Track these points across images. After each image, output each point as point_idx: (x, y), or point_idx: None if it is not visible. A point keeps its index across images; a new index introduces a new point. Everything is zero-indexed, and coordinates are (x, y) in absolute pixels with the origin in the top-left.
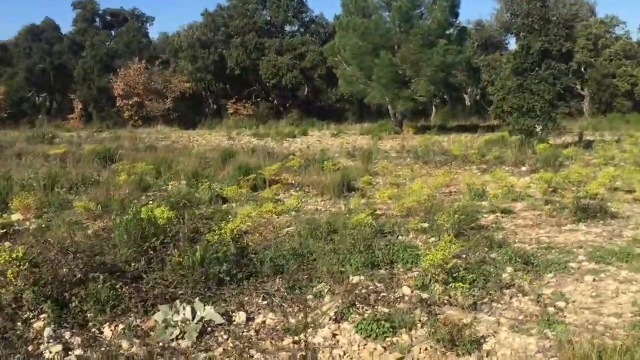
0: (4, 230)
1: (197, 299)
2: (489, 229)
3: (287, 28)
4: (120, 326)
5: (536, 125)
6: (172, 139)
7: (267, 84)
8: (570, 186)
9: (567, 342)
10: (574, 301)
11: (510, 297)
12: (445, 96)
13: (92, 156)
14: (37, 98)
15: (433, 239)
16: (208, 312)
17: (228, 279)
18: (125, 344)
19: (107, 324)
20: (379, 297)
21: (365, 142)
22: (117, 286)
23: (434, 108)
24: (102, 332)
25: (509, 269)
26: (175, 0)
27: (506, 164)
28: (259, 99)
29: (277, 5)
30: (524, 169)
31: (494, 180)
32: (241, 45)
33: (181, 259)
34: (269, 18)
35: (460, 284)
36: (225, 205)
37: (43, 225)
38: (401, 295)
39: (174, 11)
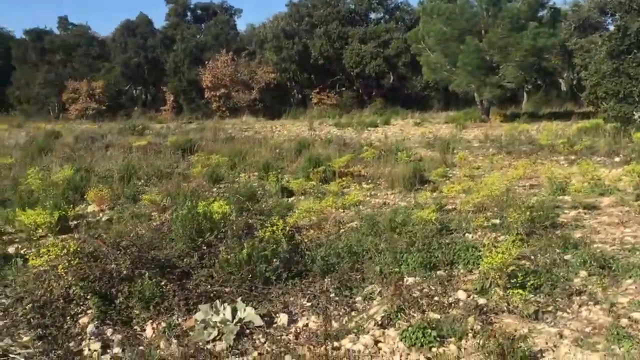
0: (77, 221)
1: (239, 298)
2: (567, 227)
3: (371, 16)
4: (162, 325)
5: (634, 112)
6: (255, 129)
7: (351, 73)
8: None
9: None
10: None
11: (579, 306)
12: (538, 82)
13: (173, 148)
14: (134, 91)
15: (503, 237)
16: (248, 313)
17: (275, 278)
18: (162, 344)
19: (150, 322)
20: (432, 302)
21: (449, 131)
22: (163, 283)
23: (525, 94)
24: (144, 330)
25: (583, 273)
26: None
27: (598, 154)
28: (343, 88)
29: None
30: (617, 160)
31: (581, 173)
32: (324, 34)
33: (229, 257)
34: (352, 6)
35: (520, 290)
36: (292, 198)
37: (114, 217)
38: (456, 300)
39: (261, 2)
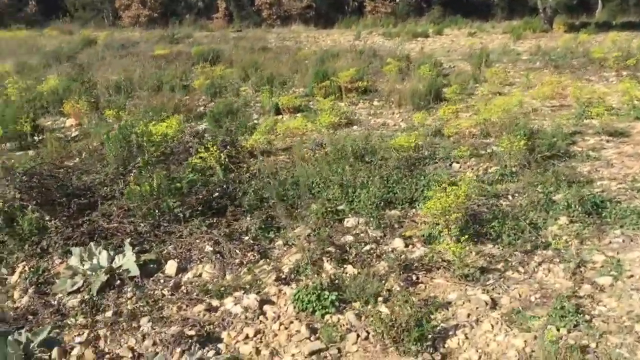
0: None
1: (128, 240)
2: (576, 158)
3: None
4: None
5: None
6: (299, 39)
7: None
8: None
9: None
10: (631, 276)
11: (538, 264)
12: None
13: (196, 57)
14: None
15: (495, 168)
16: (127, 259)
17: (186, 215)
18: (17, 292)
19: (22, 264)
20: (360, 251)
21: (502, 42)
22: (47, 218)
23: (600, 1)
24: (13, 273)
25: (562, 220)
26: None
27: None
28: None
29: None
30: None
31: (622, 91)
32: None
33: (139, 187)
34: None
35: (459, 245)
36: (279, 116)
37: (79, 133)
38: (391, 250)
39: None
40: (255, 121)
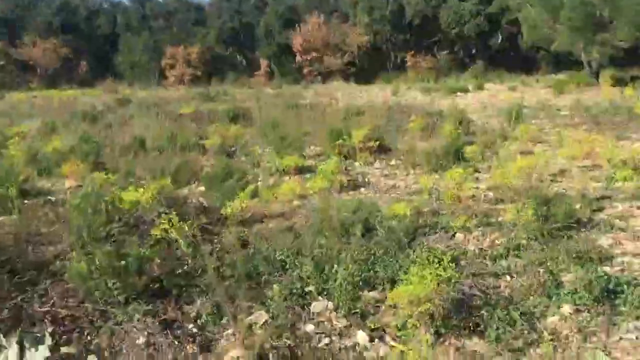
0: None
1: (50, 329)
2: (600, 228)
3: None
4: None
5: None
6: (336, 95)
7: (449, 34)
8: None
9: None
10: None
11: None
12: None
13: (222, 115)
14: (237, 56)
15: (504, 239)
16: (39, 355)
17: (128, 299)
18: None
19: None
20: (315, 347)
21: (544, 97)
22: None
23: None
24: None
25: (566, 309)
26: None
27: None
28: (443, 51)
29: None
30: None
31: None
32: None
33: (86, 264)
34: None
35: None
36: (287, 177)
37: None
38: (351, 346)
39: None
40: (259, 183)
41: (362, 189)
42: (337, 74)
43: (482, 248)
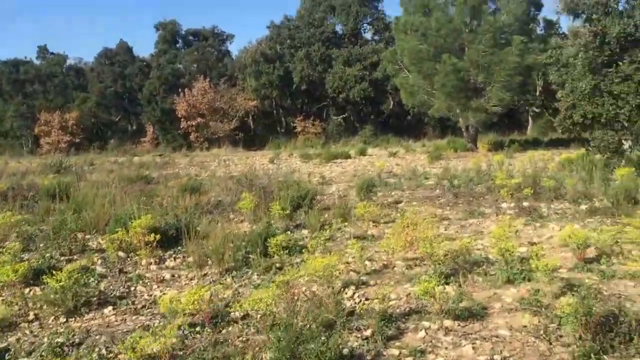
0: None
1: None
2: None
3: (359, 36)
4: None
5: (623, 141)
6: (210, 163)
7: (336, 99)
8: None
9: None
10: None
11: None
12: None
13: (42, 193)
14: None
15: None
16: None
17: None
18: None
19: None
20: None
21: (423, 163)
22: None
23: (530, 119)
24: None
25: None
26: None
27: (563, 198)
28: (333, 116)
29: (347, 12)
30: (583, 208)
31: (496, 235)
32: (306, 57)
33: None
34: (338, 27)
35: None
36: None
37: None
38: None
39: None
40: None
41: (109, 309)
42: (225, 139)
43: None
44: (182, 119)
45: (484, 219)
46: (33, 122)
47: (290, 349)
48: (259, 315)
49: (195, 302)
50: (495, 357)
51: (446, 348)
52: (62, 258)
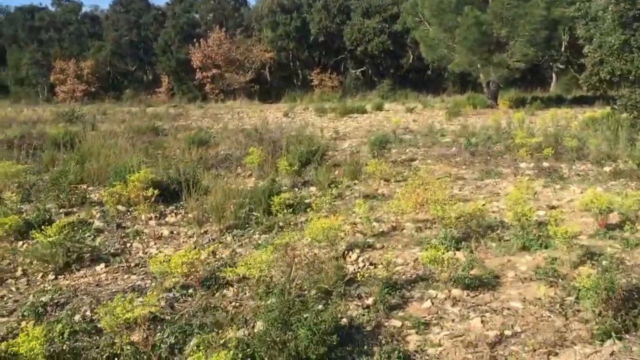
0: None
1: None
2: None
3: None
4: None
5: None
6: (225, 115)
7: (354, 52)
8: None
9: None
10: None
11: None
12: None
13: (49, 142)
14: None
15: None
16: None
17: None
18: None
19: None
20: None
21: (439, 119)
22: None
23: (554, 75)
24: None
25: None
26: None
27: (586, 159)
28: (351, 69)
29: None
30: (606, 169)
31: (513, 199)
32: (324, 8)
33: None
34: None
35: None
36: None
37: None
38: None
39: None
40: None
41: (101, 266)
42: (241, 91)
43: None
44: (198, 70)
45: (501, 179)
46: (49, 70)
47: (282, 319)
48: (255, 279)
49: (184, 265)
50: (505, 332)
51: (452, 320)
52: (61, 210)
